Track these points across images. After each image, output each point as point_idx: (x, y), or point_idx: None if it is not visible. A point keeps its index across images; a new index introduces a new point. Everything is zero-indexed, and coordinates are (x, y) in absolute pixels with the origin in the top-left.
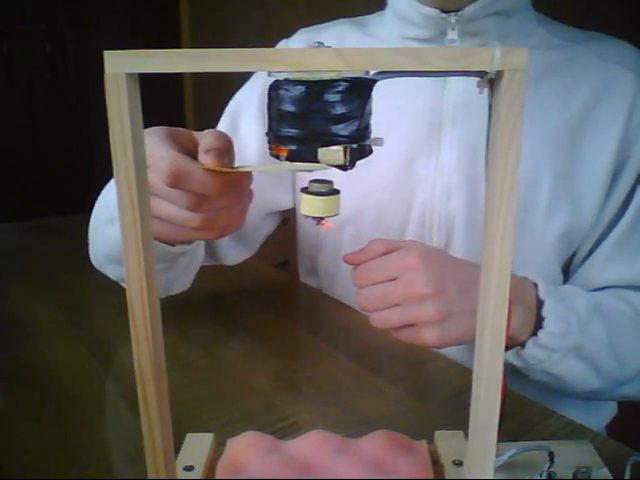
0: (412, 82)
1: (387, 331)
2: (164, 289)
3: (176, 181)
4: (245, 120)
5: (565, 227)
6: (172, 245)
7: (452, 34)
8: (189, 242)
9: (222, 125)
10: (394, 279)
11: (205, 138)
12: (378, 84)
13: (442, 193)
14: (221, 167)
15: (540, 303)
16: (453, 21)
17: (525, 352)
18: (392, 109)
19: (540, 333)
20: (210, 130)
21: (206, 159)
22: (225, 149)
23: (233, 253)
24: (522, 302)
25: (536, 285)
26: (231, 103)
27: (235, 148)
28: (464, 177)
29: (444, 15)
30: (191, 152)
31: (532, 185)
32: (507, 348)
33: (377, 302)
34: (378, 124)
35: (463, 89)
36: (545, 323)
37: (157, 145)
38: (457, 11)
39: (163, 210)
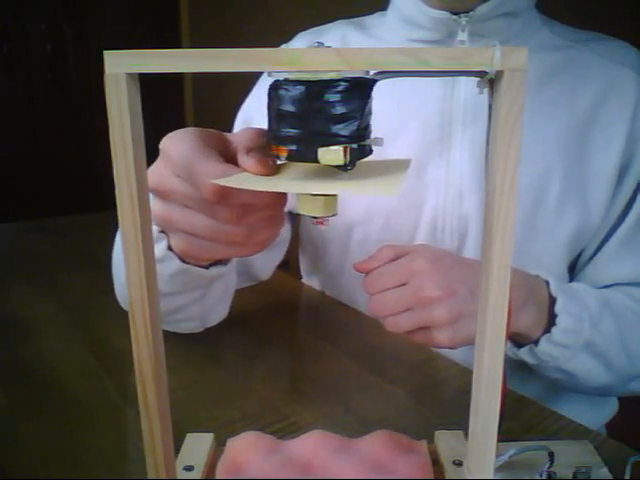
0: (421, 84)
1: (399, 334)
2: (201, 321)
3: (223, 196)
4: (260, 125)
5: (574, 227)
6: (206, 268)
7: (462, 35)
8: (225, 263)
9: None
10: (404, 284)
11: (242, 137)
12: (387, 86)
13: (454, 196)
14: (269, 172)
15: (552, 300)
16: (464, 22)
17: (539, 349)
18: (401, 112)
19: (553, 330)
20: (245, 128)
21: (248, 162)
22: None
23: (266, 265)
24: (534, 299)
25: (547, 283)
26: (241, 111)
27: None
28: (476, 179)
29: (454, 17)
30: (225, 156)
31: (542, 187)
32: (520, 346)
33: (389, 308)
34: (387, 126)
35: (472, 90)
36: (558, 320)
37: (193, 153)
38: (466, 12)
39: (198, 224)
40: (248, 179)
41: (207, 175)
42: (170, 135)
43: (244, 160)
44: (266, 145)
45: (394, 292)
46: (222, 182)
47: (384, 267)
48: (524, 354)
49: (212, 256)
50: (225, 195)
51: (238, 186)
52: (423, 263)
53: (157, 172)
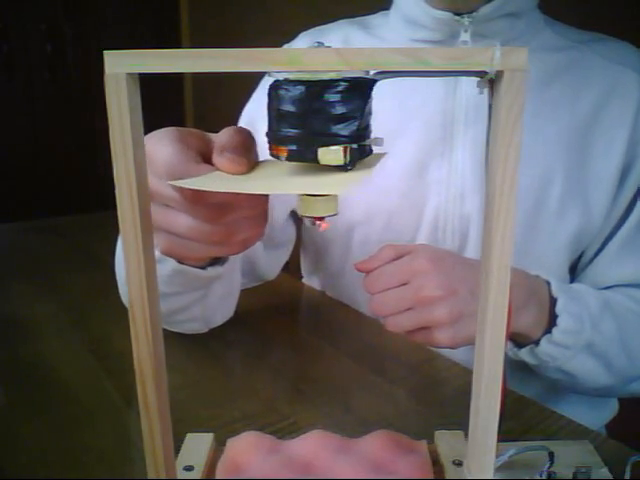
0: (423, 84)
1: (399, 334)
2: (204, 321)
3: (200, 196)
4: (263, 130)
5: (576, 228)
6: (203, 269)
7: (465, 35)
8: (222, 263)
9: None
10: (405, 284)
11: (220, 137)
12: (389, 86)
13: (456, 196)
14: (241, 171)
15: (553, 301)
16: (466, 23)
17: (539, 350)
18: (403, 112)
19: (554, 330)
20: (227, 128)
21: (221, 162)
22: (242, 146)
23: (272, 265)
24: (535, 300)
25: (548, 283)
26: (244, 115)
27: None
28: (478, 179)
29: (457, 17)
30: (206, 156)
31: (543, 188)
32: (521, 346)
33: (390, 307)
34: (389, 126)
35: (474, 90)
36: (559, 320)
37: (171, 154)
38: (469, 13)
39: (178, 224)
40: (216, 179)
41: (184, 176)
42: (149, 135)
43: (216, 159)
44: (244, 144)
45: (395, 292)
46: (180, 183)
47: (385, 267)
48: (525, 354)
49: (195, 255)
50: (202, 195)
51: (195, 187)
52: (424, 263)
53: None
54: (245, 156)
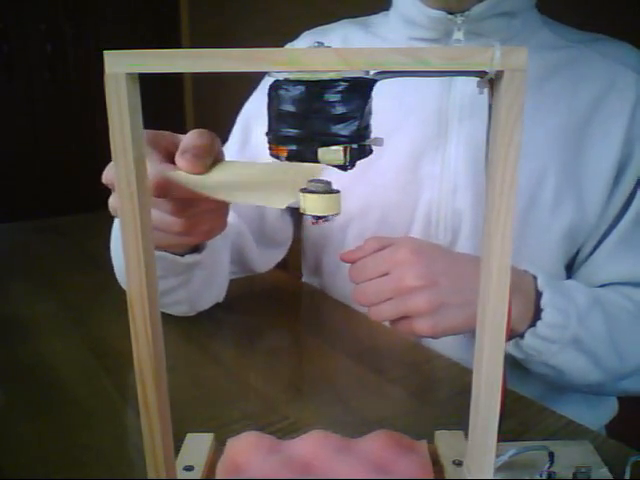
0: (419, 82)
1: (384, 326)
2: (190, 305)
3: (161, 192)
4: (257, 131)
5: (570, 225)
6: (182, 256)
7: (458, 34)
8: (199, 251)
9: (234, 136)
10: (386, 274)
11: (185, 139)
12: (384, 84)
13: (448, 192)
14: (199, 171)
15: (539, 295)
16: (459, 22)
17: (524, 343)
18: (399, 109)
19: (538, 324)
20: (192, 130)
21: (181, 162)
22: (202, 149)
23: (263, 259)
24: (521, 293)
25: (535, 277)
26: (241, 114)
27: (248, 158)
28: (471, 176)
29: (450, 16)
30: (173, 156)
31: (538, 183)
32: (507, 339)
33: (372, 297)
34: (385, 124)
35: (469, 89)
36: (543, 314)
37: None
38: (463, 12)
39: None
40: (181, 178)
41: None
42: None
43: (178, 160)
44: (204, 146)
45: (376, 282)
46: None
47: (368, 257)
48: (510, 348)
49: (162, 244)
50: (162, 192)
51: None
52: (405, 254)
53: (110, 168)
54: (204, 158)
